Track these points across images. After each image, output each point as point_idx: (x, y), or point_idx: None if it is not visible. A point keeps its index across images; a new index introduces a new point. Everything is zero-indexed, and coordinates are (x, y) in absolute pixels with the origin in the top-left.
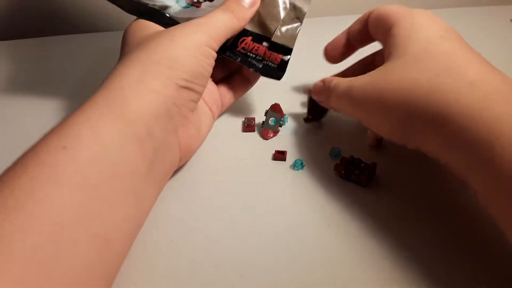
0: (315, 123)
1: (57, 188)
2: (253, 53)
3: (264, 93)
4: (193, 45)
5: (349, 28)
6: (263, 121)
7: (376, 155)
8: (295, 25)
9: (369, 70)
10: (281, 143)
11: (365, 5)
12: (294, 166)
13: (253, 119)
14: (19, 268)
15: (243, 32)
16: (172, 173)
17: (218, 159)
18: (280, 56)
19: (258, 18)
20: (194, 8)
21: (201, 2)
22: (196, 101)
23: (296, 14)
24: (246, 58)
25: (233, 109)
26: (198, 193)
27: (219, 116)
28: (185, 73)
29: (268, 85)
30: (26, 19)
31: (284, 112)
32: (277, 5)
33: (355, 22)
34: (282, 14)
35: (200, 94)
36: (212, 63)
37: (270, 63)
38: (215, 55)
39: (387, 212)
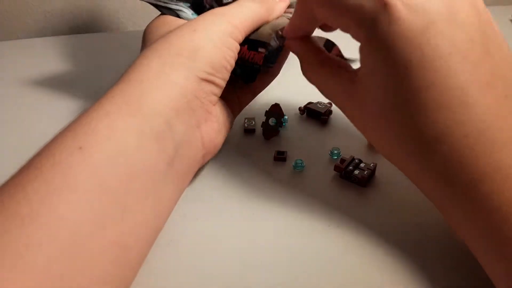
0: (314, 123)
1: (73, 193)
2: (249, 62)
3: (264, 93)
4: (216, 36)
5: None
6: (263, 122)
7: (376, 155)
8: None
9: None
10: (281, 144)
11: None
12: (294, 166)
13: (253, 119)
14: (33, 283)
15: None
16: (194, 172)
17: (218, 159)
18: (261, 55)
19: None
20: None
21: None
22: (217, 95)
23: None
24: (245, 67)
25: None
26: (198, 193)
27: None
28: (206, 65)
29: (268, 86)
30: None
31: (284, 113)
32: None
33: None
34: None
35: (221, 87)
36: (235, 55)
37: (255, 66)
38: (238, 47)
39: (387, 212)
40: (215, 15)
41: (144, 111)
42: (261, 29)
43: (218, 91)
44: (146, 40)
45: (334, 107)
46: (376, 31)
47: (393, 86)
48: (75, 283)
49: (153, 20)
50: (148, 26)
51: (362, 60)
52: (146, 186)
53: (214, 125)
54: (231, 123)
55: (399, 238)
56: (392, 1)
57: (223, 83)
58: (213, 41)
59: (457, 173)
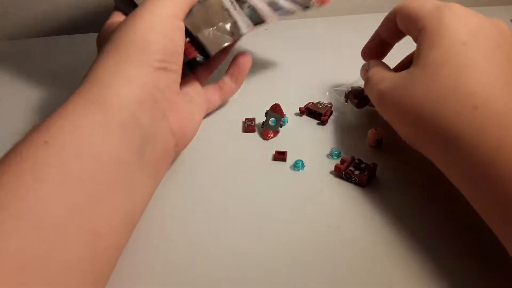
0: (324, 123)
1: (40, 184)
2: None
3: (264, 93)
4: (157, 21)
5: (378, 29)
6: (263, 122)
7: (377, 155)
8: (226, 37)
9: None
10: (281, 144)
11: (365, 5)
12: (294, 166)
13: (253, 119)
14: (3, 270)
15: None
16: (169, 161)
17: (218, 159)
18: (195, 53)
19: (194, 19)
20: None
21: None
22: (177, 81)
23: (233, 30)
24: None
25: (234, 110)
26: (198, 193)
27: (212, 112)
28: (157, 54)
29: (268, 86)
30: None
31: (284, 113)
32: (217, 14)
33: (382, 23)
34: (220, 22)
35: (178, 73)
36: (183, 36)
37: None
38: (183, 25)
39: (387, 212)
40: (151, 0)
41: (107, 107)
42: (193, 16)
43: (177, 77)
44: (105, 38)
45: (334, 108)
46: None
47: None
48: (46, 270)
49: (102, 28)
50: (104, 24)
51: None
52: (115, 176)
53: (182, 114)
54: (203, 111)
55: (399, 239)
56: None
57: (178, 68)
58: (156, 27)
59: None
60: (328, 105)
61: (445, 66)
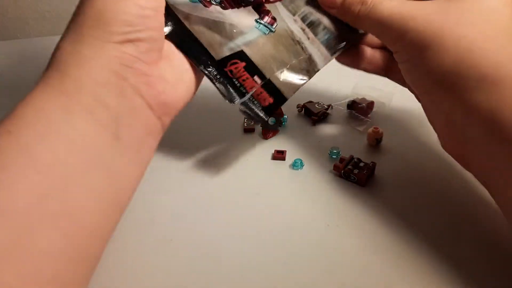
0: (315, 123)
1: (3, 173)
2: (239, 82)
3: None
4: None
5: None
6: None
7: (375, 154)
8: (302, 77)
9: None
10: (280, 143)
11: None
12: (294, 165)
13: None
14: None
15: (238, 55)
16: (156, 137)
17: (218, 159)
18: (271, 99)
19: (263, 51)
20: (201, 5)
21: (212, 4)
22: (149, 50)
23: (308, 67)
24: (229, 83)
25: (233, 109)
26: (198, 193)
27: (212, 112)
28: (116, 26)
29: None
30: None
31: (283, 112)
32: (291, 48)
33: None
34: (293, 60)
35: (151, 40)
36: None
37: (255, 101)
38: None
39: (386, 211)
40: None
41: (69, 92)
42: (260, 50)
43: (149, 46)
44: None
45: (334, 108)
46: None
47: None
48: (18, 259)
49: None
50: None
51: None
52: (89, 158)
53: (159, 87)
54: (191, 78)
55: (398, 237)
56: None
57: (151, 34)
58: None
59: None
60: (326, 106)
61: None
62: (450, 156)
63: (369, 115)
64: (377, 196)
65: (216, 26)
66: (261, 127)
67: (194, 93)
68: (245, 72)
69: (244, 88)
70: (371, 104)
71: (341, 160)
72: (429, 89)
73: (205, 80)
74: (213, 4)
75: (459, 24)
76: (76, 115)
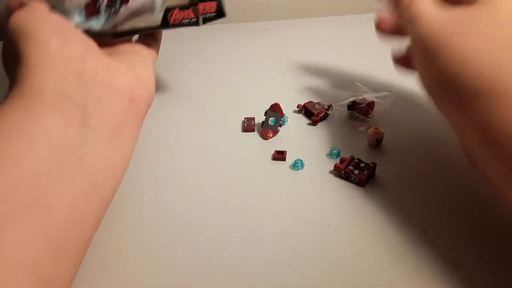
0: (315, 123)
1: None
2: (186, 19)
3: (264, 93)
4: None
5: None
6: (262, 121)
7: (376, 155)
8: None
9: None
10: (281, 143)
11: (365, 5)
12: (294, 166)
13: (253, 119)
14: None
15: (168, 9)
16: (134, 118)
17: (218, 159)
18: (214, 3)
19: None
20: (114, 16)
21: (118, 10)
22: (94, 45)
23: None
24: (182, 25)
25: (233, 109)
26: (198, 193)
27: (212, 112)
28: (49, 33)
29: (268, 85)
30: None
31: (284, 112)
32: None
33: None
34: None
35: (87, 39)
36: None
37: (208, 15)
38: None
39: (387, 212)
40: None
41: (29, 94)
42: None
43: (90, 42)
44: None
45: (334, 108)
46: None
47: None
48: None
49: None
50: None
51: None
52: (55, 150)
53: (120, 70)
54: (146, 56)
55: (398, 238)
56: None
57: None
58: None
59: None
60: (326, 106)
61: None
62: (450, 157)
63: (369, 115)
64: (378, 197)
65: (137, 12)
66: (261, 127)
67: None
68: (182, 12)
69: (193, 18)
70: (371, 104)
71: (342, 160)
72: (436, 95)
73: (203, 80)
74: (118, 8)
75: (466, 35)
76: (39, 112)
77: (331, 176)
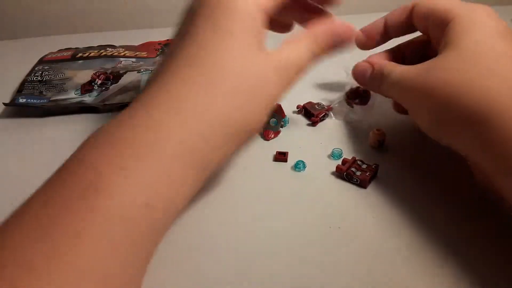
0: (314, 124)
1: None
2: None
3: None
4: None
5: (387, 17)
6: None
7: (378, 156)
8: None
9: (419, 53)
10: (282, 144)
11: (365, 5)
12: (295, 167)
13: None
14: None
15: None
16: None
17: None
18: None
19: None
20: (103, 93)
21: (109, 87)
22: None
23: None
24: None
25: None
26: (199, 194)
27: None
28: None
29: None
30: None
31: (285, 113)
32: None
33: (394, 12)
34: None
35: None
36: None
37: None
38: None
39: (389, 213)
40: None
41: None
42: None
43: None
44: None
45: (335, 108)
46: None
47: None
48: None
49: None
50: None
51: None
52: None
53: None
54: None
55: (401, 240)
56: None
57: None
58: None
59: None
60: (326, 107)
61: (482, 51)
62: (453, 159)
63: (369, 103)
64: (380, 198)
65: (124, 89)
66: (262, 128)
67: None
68: None
69: None
70: (367, 91)
71: (344, 162)
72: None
73: None
74: (108, 85)
75: (451, 70)
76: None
77: (333, 178)
